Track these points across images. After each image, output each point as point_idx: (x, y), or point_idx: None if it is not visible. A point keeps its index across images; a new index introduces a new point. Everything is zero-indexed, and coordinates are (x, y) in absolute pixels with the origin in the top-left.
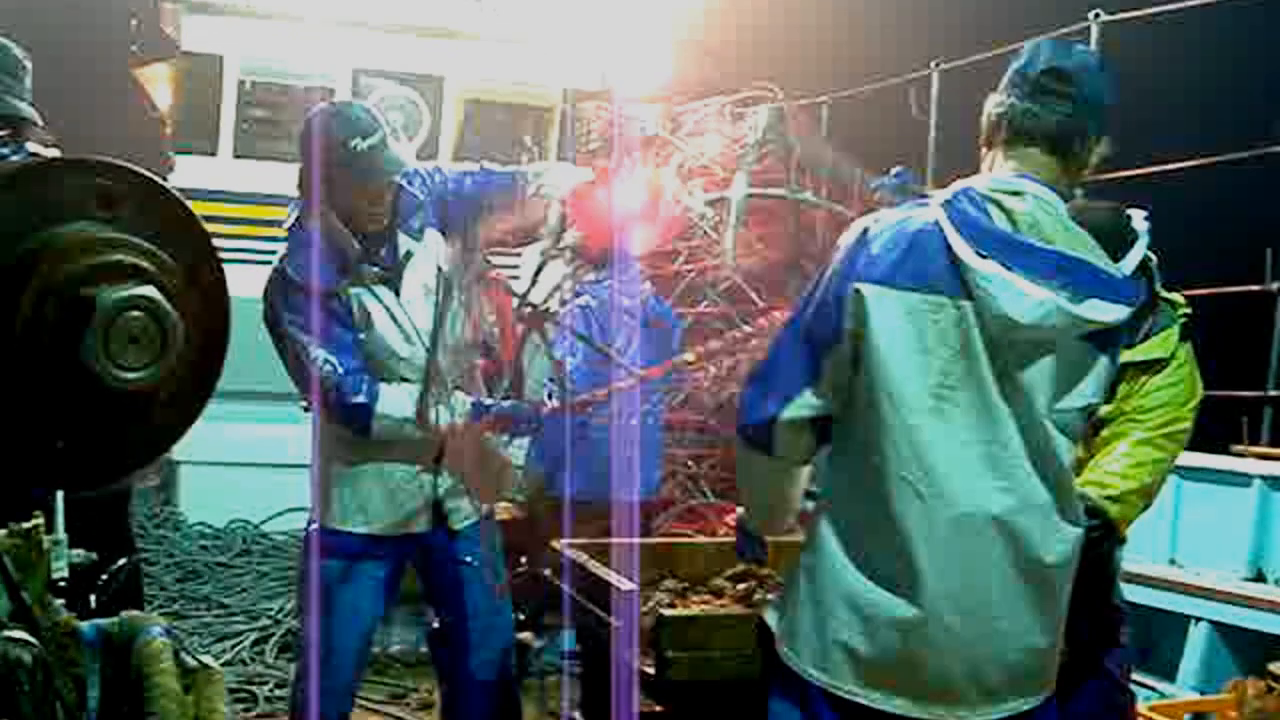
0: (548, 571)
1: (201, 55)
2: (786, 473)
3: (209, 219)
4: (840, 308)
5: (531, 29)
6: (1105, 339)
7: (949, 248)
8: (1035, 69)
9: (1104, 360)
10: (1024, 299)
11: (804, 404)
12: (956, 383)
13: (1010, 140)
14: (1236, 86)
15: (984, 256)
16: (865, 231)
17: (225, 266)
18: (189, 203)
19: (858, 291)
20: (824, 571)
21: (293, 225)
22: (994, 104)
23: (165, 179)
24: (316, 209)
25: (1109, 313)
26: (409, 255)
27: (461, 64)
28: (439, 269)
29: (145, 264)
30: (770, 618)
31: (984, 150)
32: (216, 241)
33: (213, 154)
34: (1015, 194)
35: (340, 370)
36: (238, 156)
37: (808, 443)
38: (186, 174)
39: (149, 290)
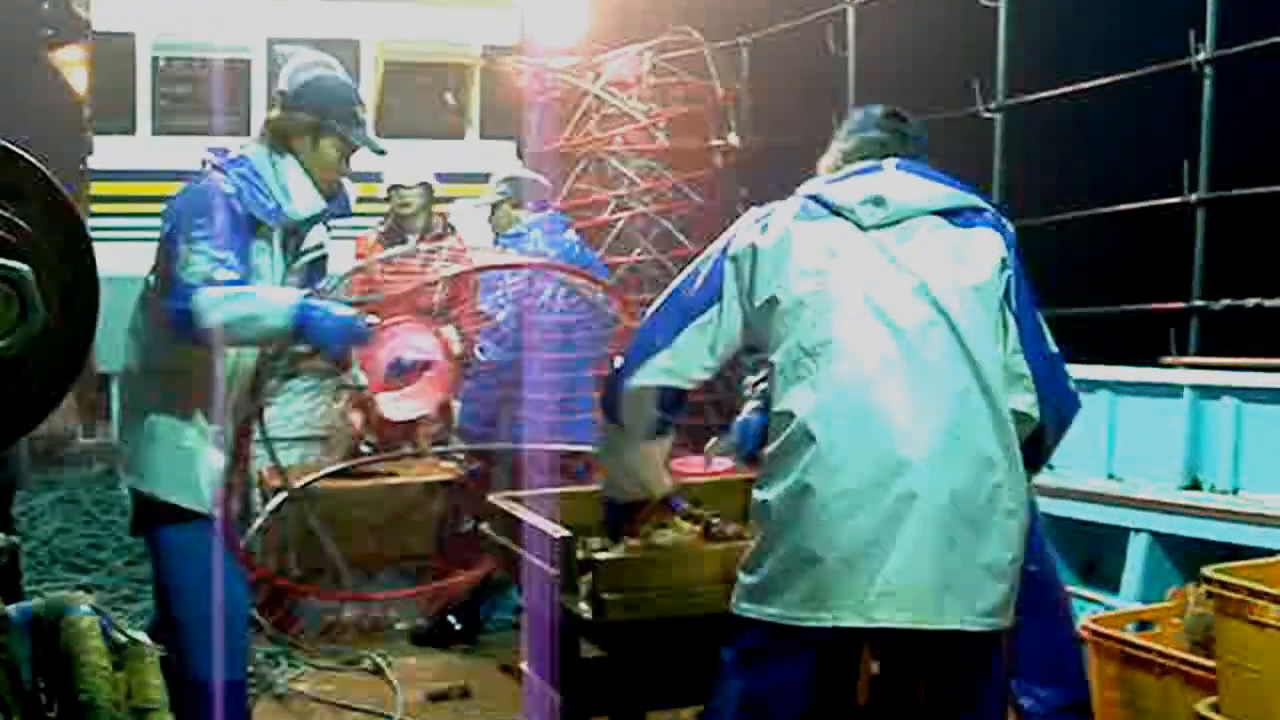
0: (486, 527)
1: (113, 34)
2: (629, 441)
3: (131, 199)
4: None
5: None
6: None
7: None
8: (875, 114)
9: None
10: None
11: (653, 368)
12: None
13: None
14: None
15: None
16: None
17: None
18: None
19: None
20: None
21: (243, 160)
22: (844, 147)
23: (85, 161)
24: (286, 158)
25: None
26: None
27: (377, 26)
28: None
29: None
30: None
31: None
32: (141, 220)
33: (131, 133)
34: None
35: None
36: (156, 134)
37: (649, 413)
38: (106, 155)
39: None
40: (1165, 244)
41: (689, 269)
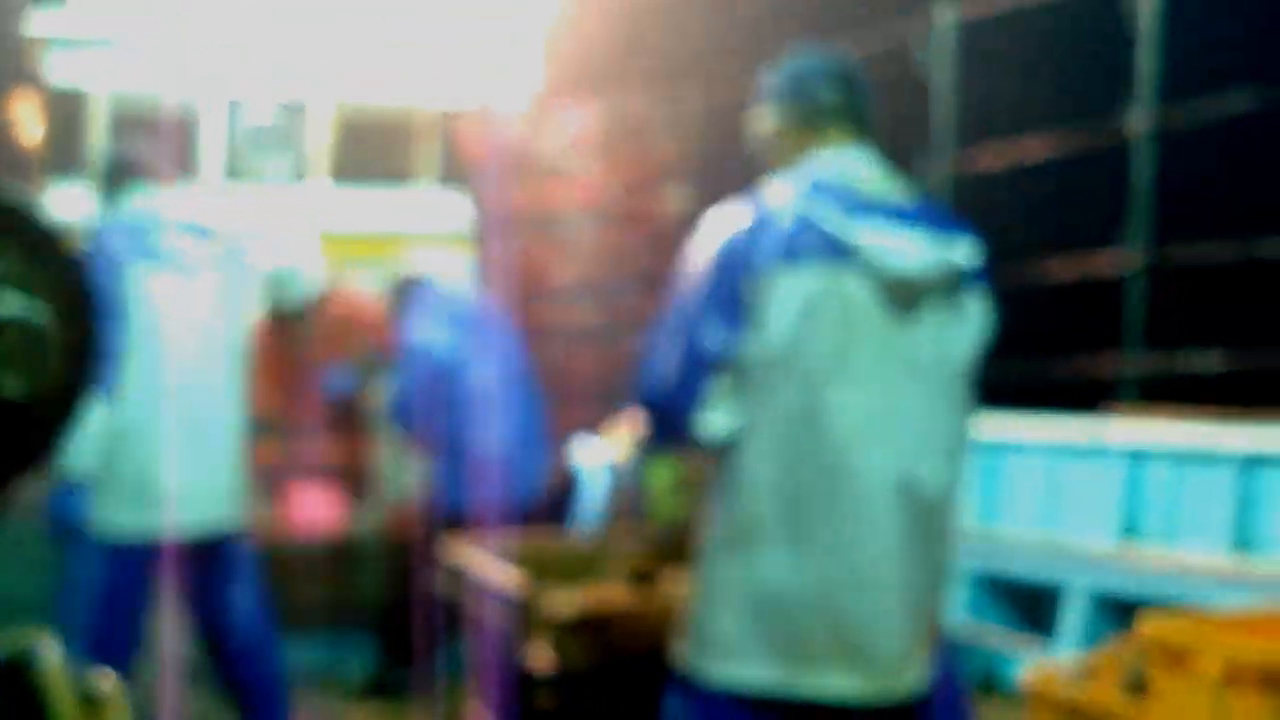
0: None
1: (68, 90)
2: None
3: None
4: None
5: (405, 47)
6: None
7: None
8: (822, 70)
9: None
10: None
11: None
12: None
13: (823, 128)
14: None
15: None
16: (738, 223)
17: None
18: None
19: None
20: None
21: None
22: (796, 104)
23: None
24: None
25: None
26: None
27: (333, 87)
28: None
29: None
30: None
31: (786, 147)
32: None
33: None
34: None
35: None
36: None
37: None
38: (60, 206)
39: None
40: (1103, 302)
41: None
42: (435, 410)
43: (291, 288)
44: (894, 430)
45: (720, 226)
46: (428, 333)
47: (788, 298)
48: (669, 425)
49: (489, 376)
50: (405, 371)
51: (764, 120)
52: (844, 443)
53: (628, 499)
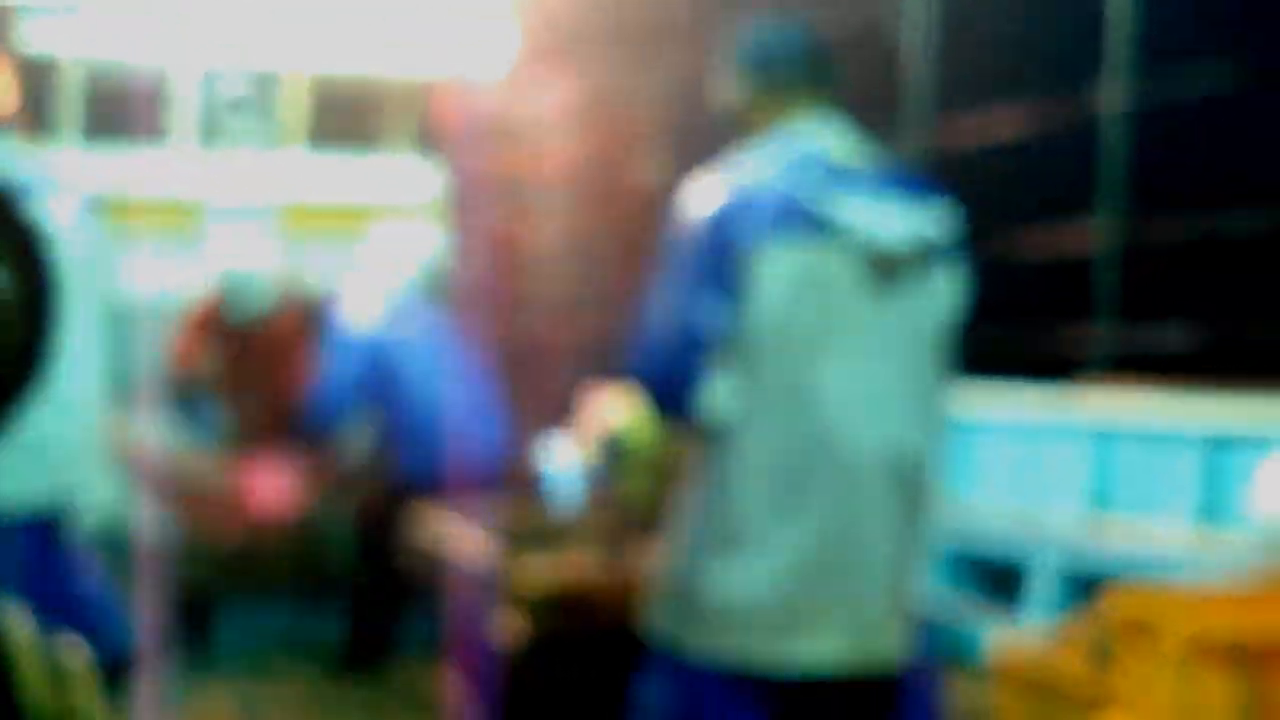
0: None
1: (40, 57)
2: None
3: None
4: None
5: (380, 14)
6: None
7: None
8: (786, 39)
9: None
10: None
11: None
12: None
13: (791, 97)
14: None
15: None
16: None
17: None
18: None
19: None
20: None
21: None
22: (762, 74)
23: None
24: None
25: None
26: None
27: (308, 58)
28: None
29: None
30: None
31: (755, 118)
32: None
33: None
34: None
35: None
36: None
37: None
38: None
39: None
40: (1075, 275)
41: None
42: (372, 394)
43: (245, 297)
44: (879, 404)
45: (702, 202)
46: (355, 328)
47: (772, 274)
48: (670, 402)
49: (422, 355)
50: (334, 364)
51: (730, 91)
52: (831, 417)
53: (599, 497)
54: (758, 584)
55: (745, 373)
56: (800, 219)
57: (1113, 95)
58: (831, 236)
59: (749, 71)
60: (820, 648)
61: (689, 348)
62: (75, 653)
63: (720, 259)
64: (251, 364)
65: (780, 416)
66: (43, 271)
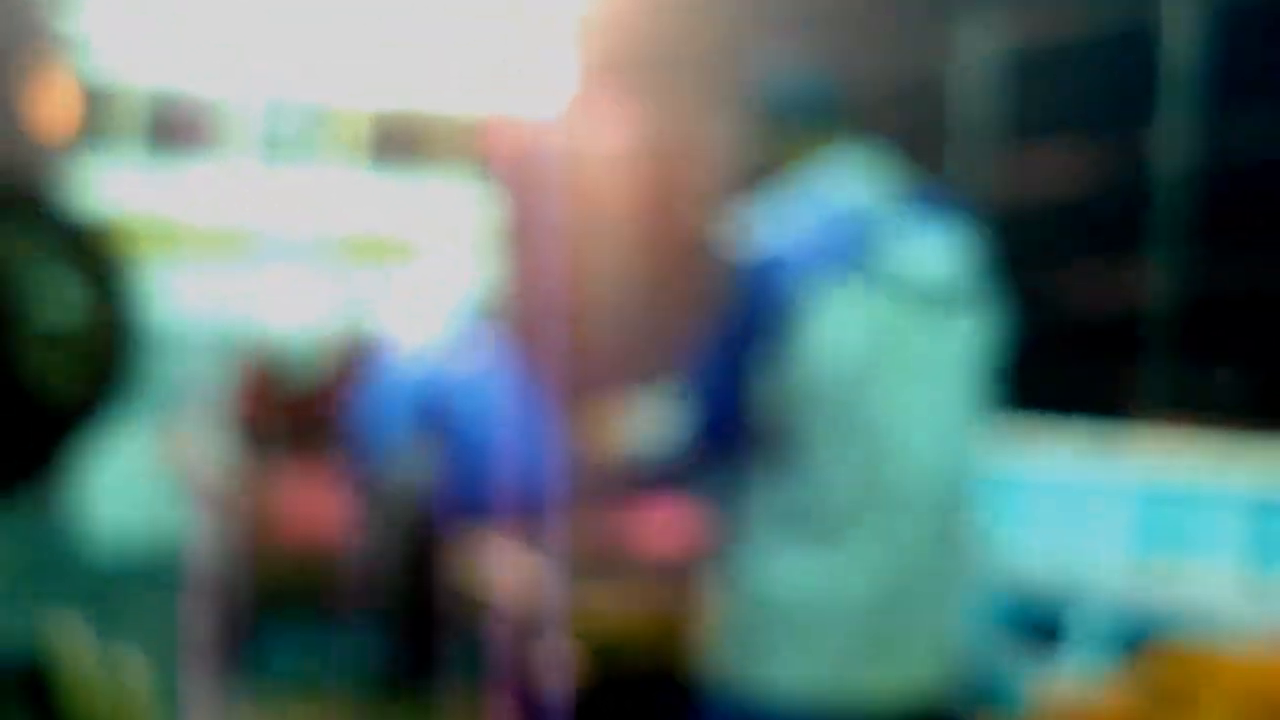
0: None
1: (102, 85)
2: None
3: None
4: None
5: (437, 48)
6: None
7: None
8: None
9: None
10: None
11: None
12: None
13: (815, 137)
14: None
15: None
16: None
17: None
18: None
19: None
20: None
21: None
22: (784, 116)
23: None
24: None
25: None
26: None
27: (365, 85)
28: None
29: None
30: None
31: (783, 159)
32: None
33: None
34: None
35: None
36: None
37: None
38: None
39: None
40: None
41: None
42: (424, 424)
43: (295, 365)
44: (930, 442)
45: (746, 250)
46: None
47: (821, 322)
48: (723, 444)
49: (475, 386)
50: (386, 395)
51: (754, 136)
52: (885, 455)
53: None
54: (824, 618)
55: (796, 419)
56: (844, 264)
57: (1173, 139)
58: (876, 280)
59: (772, 116)
60: (883, 683)
61: (737, 399)
62: (134, 670)
63: (766, 308)
64: (311, 423)
65: (832, 454)
66: (123, 302)
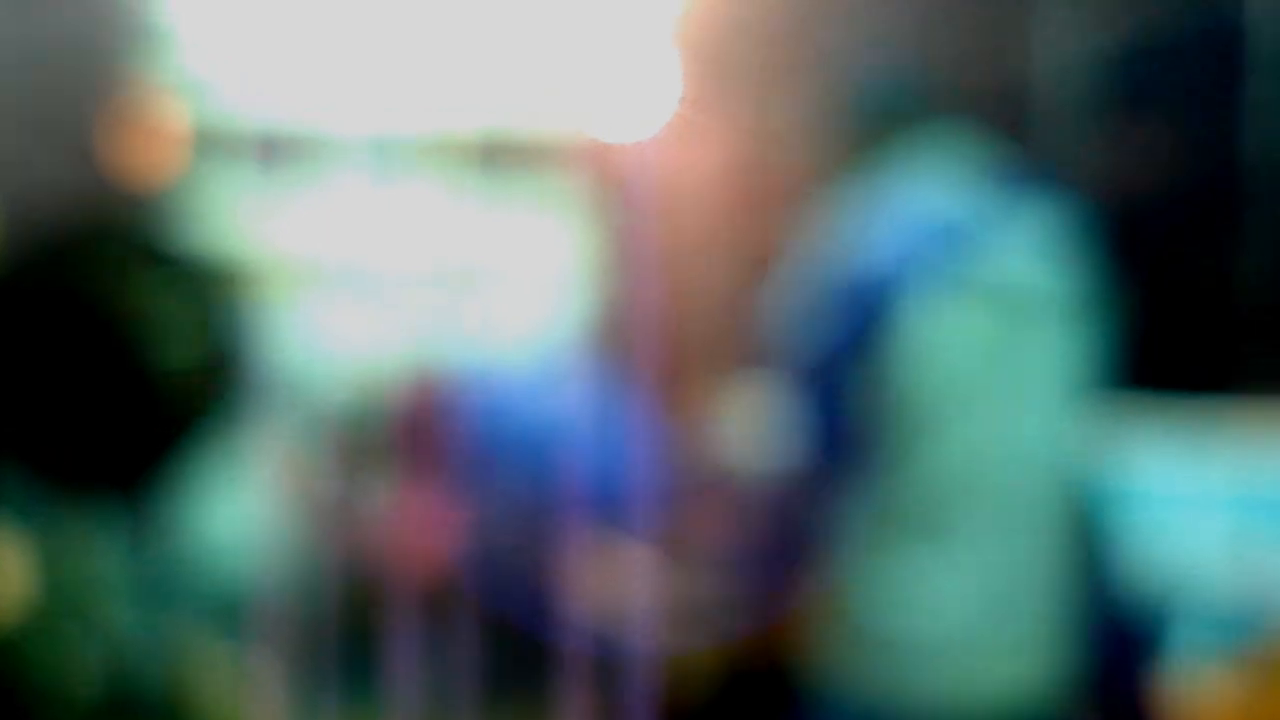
0: None
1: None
2: None
3: None
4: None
5: (530, 69)
6: None
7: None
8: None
9: None
10: None
11: None
12: None
13: (904, 138)
14: None
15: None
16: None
17: None
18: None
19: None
20: None
21: None
22: (872, 118)
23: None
24: None
25: None
26: None
27: (460, 109)
28: None
29: None
30: None
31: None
32: None
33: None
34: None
35: None
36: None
37: None
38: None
39: None
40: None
41: None
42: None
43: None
44: (1034, 450)
45: (840, 260)
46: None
47: (924, 329)
48: (829, 452)
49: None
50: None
51: (848, 138)
52: (990, 465)
53: None
54: (947, 617)
55: (899, 433)
56: (945, 274)
57: (1262, 125)
58: (976, 288)
59: (868, 118)
60: (991, 689)
61: (840, 415)
62: (262, 676)
63: (867, 321)
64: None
65: (941, 468)
66: (239, 336)
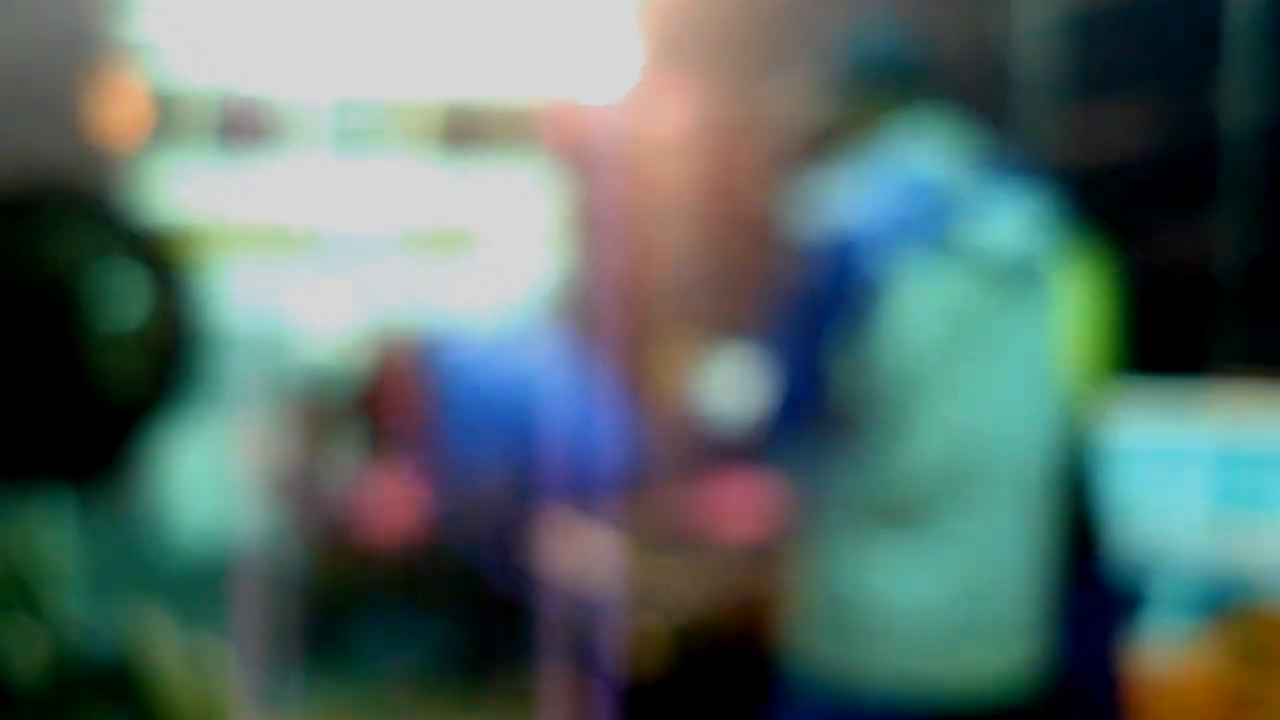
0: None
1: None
2: None
3: None
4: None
5: (496, 34)
6: None
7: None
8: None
9: None
10: None
11: None
12: None
13: (891, 105)
14: None
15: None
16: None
17: None
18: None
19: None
20: None
21: None
22: (857, 83)
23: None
24: None
25: None
26: None
27: (425, 75)
28: None
29: None
30: None
31: (853, 129)
32: None
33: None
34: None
35: None
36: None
37: None
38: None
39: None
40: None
41: None
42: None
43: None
44: (1012, 421)
45: (822, 229)
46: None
47: (904, 300)
48: (803, 428)
49: (545, 378)
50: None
51: (822, 103)
52: (968, 437)
53: None
54: (910, 606)
55: (876, 400)
56: (926, 240)
57: (1241, 93)
58: (956, 255)
59: (843, 81)
60: (970, 670)
61: (816, 377)
62: (217, 663)
63: (848, 287)
64: (373, 416)
65: (919, 440)
66: (189, 302)
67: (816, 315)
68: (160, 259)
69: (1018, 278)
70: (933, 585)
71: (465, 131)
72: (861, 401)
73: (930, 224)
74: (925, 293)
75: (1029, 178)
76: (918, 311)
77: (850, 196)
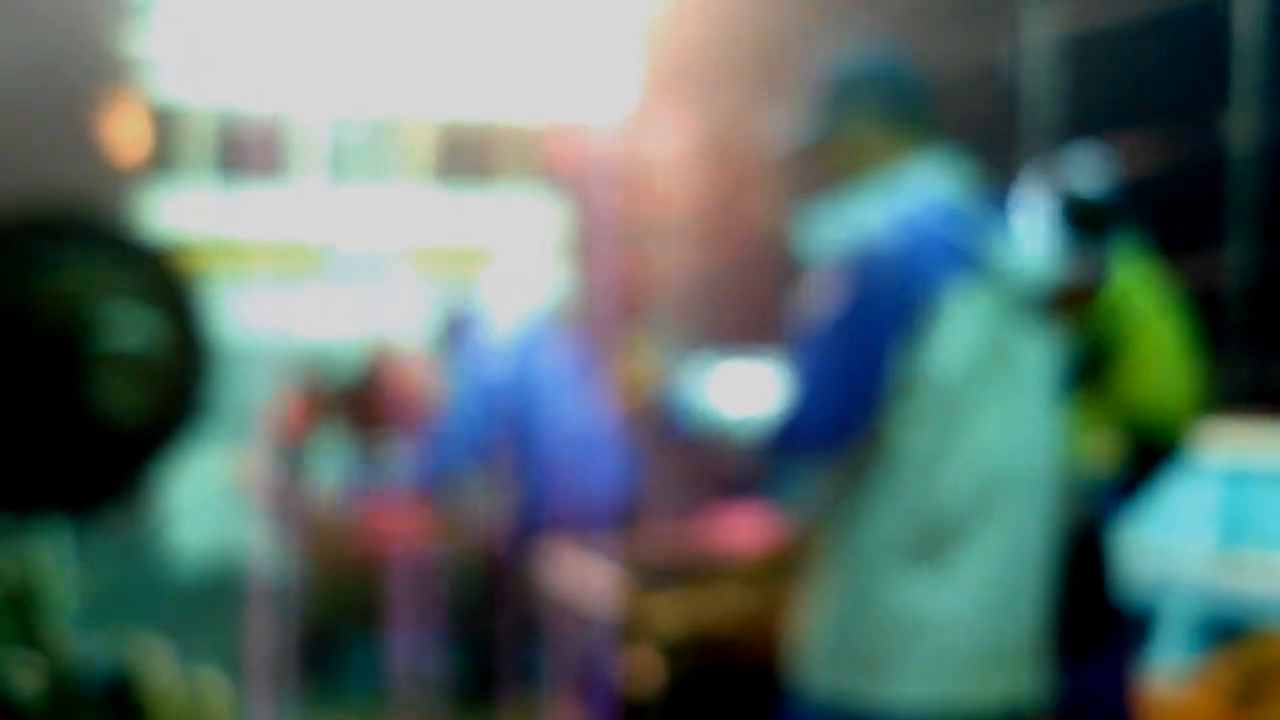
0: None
1: (169, 105)
2: None
3: None
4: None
5: (500, 57)
6: None
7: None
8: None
9: None
10: None
11: None
12: None
13: (897, 134)
14: None
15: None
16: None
17: None
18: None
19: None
20: None
21: None
22: (861, 110)
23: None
24: None
25: None
26: None
27: (430, 96)
28: None
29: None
30: None
31: (856, 157)
32: None
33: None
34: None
35: None
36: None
37: None
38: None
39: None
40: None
41: None
42: (499, 432)
43: (337, 368)
44: (1034, 448)
45: (867, 250)
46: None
47: (949, 320)
48: (837, 440)
49: (548, 393)
50: (461, 403)
51: (825, 129)
52: (994, 463)
53: None
54: (954, 619)
55: (920, 420)
56: (965, 266)
57: (1243, 126)
58: (989, 280)
59: (845, 108)
60: (992, 694)
61: (866, 392)
62: (214, 687)
63: (906, 309)
64: (365, 413)
65: (938, 464)
66: (193, 323)
67: (873, 338)
68: (169, 282)
69: (1034, 303)
70: (964, 606)
71: (467, 153)
72: (902, 423)
73: (970, 250)
74: (967, 317)
75: (1019, 210)
76: (961, 334)
77: (892, 222)
